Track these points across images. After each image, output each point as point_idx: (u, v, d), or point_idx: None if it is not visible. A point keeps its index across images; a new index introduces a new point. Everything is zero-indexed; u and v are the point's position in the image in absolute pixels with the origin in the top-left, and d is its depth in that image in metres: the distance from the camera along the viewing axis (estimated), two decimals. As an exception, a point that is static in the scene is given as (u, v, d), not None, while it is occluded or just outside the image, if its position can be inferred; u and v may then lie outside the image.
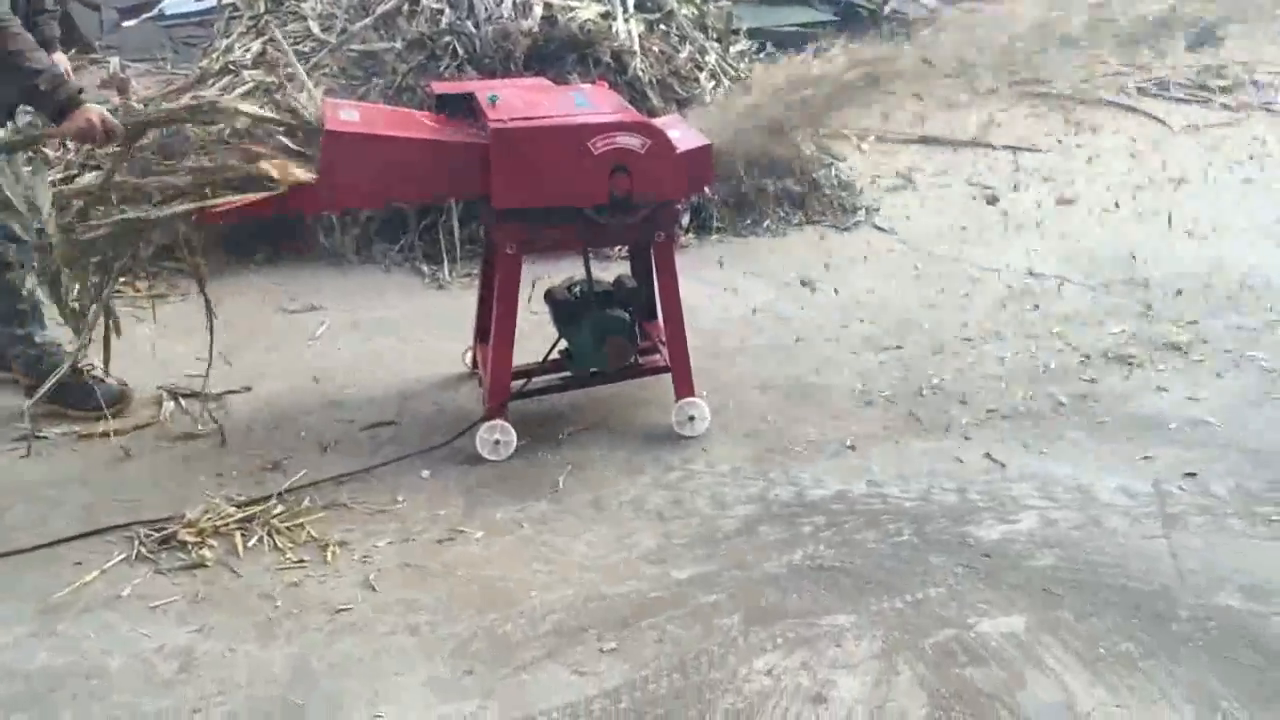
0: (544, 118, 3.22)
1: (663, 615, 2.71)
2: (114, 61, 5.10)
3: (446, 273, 4.85)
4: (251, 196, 3.11)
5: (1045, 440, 3.50)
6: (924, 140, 6.88)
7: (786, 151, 5.56)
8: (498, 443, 3.37)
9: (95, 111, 3.31)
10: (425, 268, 4.90)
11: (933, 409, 3.68)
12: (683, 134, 3.44)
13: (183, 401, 3.70)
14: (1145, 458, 3.39)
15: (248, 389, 3.82)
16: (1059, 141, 6.89)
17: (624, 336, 3.49)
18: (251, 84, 5.12)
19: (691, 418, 3.51)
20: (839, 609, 2.73)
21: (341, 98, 4.99)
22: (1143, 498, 3.19)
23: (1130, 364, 3.98)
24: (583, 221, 3.30)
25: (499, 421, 3.37)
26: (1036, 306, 4.49)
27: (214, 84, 5.24)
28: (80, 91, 3.35)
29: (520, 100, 3.36)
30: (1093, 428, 3.58)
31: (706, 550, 2.97)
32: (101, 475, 3.31)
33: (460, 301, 4.53)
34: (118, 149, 3.32)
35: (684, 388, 3.51)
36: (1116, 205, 5.76)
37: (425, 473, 3.31)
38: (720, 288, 4.73)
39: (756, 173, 5.45)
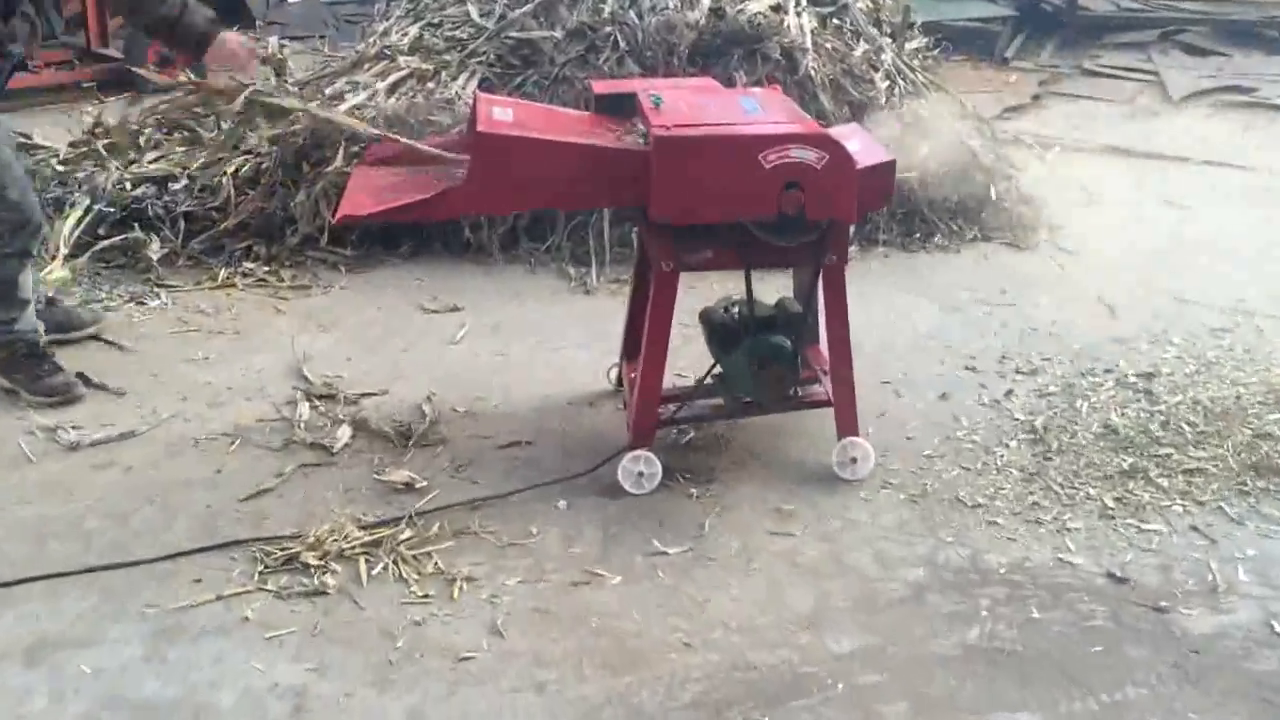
0: (711, 125, 2.93)
1: (818, 695, 2.41)
2: (272, 41, 5.01)
3: (594, 277, 4.60)
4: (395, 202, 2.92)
5: (1263, 515, 3.06)
6: (1114, 151, 6.35)
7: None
8: (641, 475, 3.11)
9: (234, 38, 3.42)
10: (572, 270, 4.66)
11: (1127, 465, 3.27)
12: (863, 147, 3.10)
13: (318, 403, 3.56)
14: (1386, 543, 2.94)
15: (385, 392, 3.65)
16: (1268, 164, 6.26)
17: (785, 366, 3.17)
18: (406, 70, 4.99)
19: (854, 459, 3.19)
20: (1021, 705, 2.39)
21: (497, 88, 4.82)
22: (1385, 594, 2.75)
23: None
24: (747, 239, 3.00)
25: (644, 452, 3.10)
26: (1247, 350, 3.99)
27: (369, 68, 5.13)
28: (213, 20, 3.39)
29: (686, 104, 3.07)
30: (1319, 501, 3.12)
31: (867, 618, 2.65)
32: (226, 479, 3.17)
33: (606, 308, 4.29)
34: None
35: (847, 425, 3.19)
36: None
37: (561, 503, 3.07)
38: (885, 308, 4.37)
39: (928, 184, 5.05)
